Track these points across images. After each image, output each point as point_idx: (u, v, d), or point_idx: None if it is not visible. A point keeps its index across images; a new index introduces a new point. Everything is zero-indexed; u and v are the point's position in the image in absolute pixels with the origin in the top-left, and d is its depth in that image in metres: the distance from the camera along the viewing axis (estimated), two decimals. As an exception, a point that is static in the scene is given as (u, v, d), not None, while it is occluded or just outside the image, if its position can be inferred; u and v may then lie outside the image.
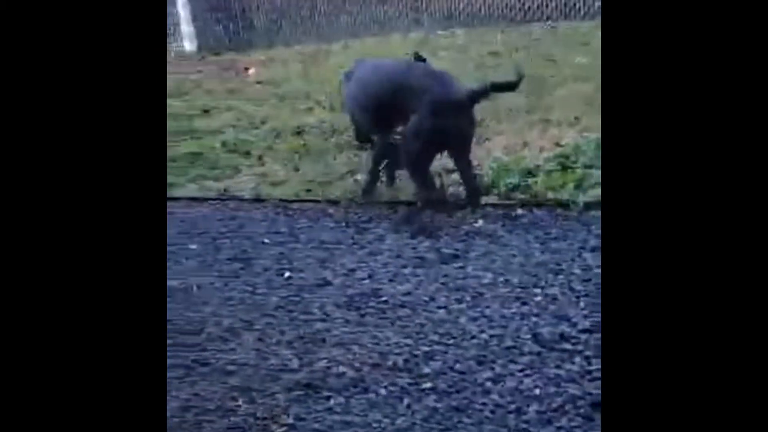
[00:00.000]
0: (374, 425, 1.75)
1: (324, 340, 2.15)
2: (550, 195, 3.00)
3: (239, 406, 1.87)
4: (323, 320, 2.28)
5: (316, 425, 1.77)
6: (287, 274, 2.65)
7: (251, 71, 6.18)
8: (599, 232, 2.67)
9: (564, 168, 3.22)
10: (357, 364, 1.99)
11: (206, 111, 4.99)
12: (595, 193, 2.92)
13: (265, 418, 1.81)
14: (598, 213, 2.82)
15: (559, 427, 1.66)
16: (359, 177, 3.61)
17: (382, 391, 1.87)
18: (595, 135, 3.56)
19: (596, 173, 3.09)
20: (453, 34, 7.50)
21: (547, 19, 7.36)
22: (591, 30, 6.69)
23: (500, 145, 3.76)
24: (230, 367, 2.05)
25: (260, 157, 4.00)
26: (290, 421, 1.80)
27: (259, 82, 5.73)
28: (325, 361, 2.03)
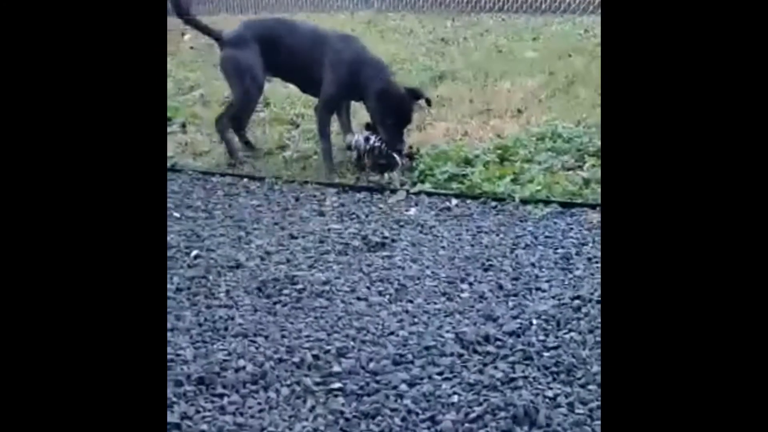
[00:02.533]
0: (270, 429, 1.54)
1: (226, 329, 1.92)
2: (486, 187, 2.85)
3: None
4: (228, 306, 2.05)
5: (204, 426, 1.55)
6: (195, 252, 2.40)
7: (187, 36, 5.82)
8: (533, 228, 2.54)
9: (502, 160, 3.08)
10: (260, 359, 1.77)
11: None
12: (532, 188, 2.79)
13: (146, 416, 1.57)
14: (533, 208, 2.69)
15: (475, 440, 1.50)
16: (288, 153, 3.38)
17: (285, 391, 1.66)
18: (537, 129, 3.45)
19: (535, 168, 2.97)
20: (402, 18, 7.31)
21: (499, 10, 7.26)
22: (543, 25, 6.64)
23: (441, 132, 3.60)
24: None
25: (183, 125, 3.70)
26: (175, 419, 1.57)
27: (192, 47, 5.38)
28: (224, 353, 1.80)
